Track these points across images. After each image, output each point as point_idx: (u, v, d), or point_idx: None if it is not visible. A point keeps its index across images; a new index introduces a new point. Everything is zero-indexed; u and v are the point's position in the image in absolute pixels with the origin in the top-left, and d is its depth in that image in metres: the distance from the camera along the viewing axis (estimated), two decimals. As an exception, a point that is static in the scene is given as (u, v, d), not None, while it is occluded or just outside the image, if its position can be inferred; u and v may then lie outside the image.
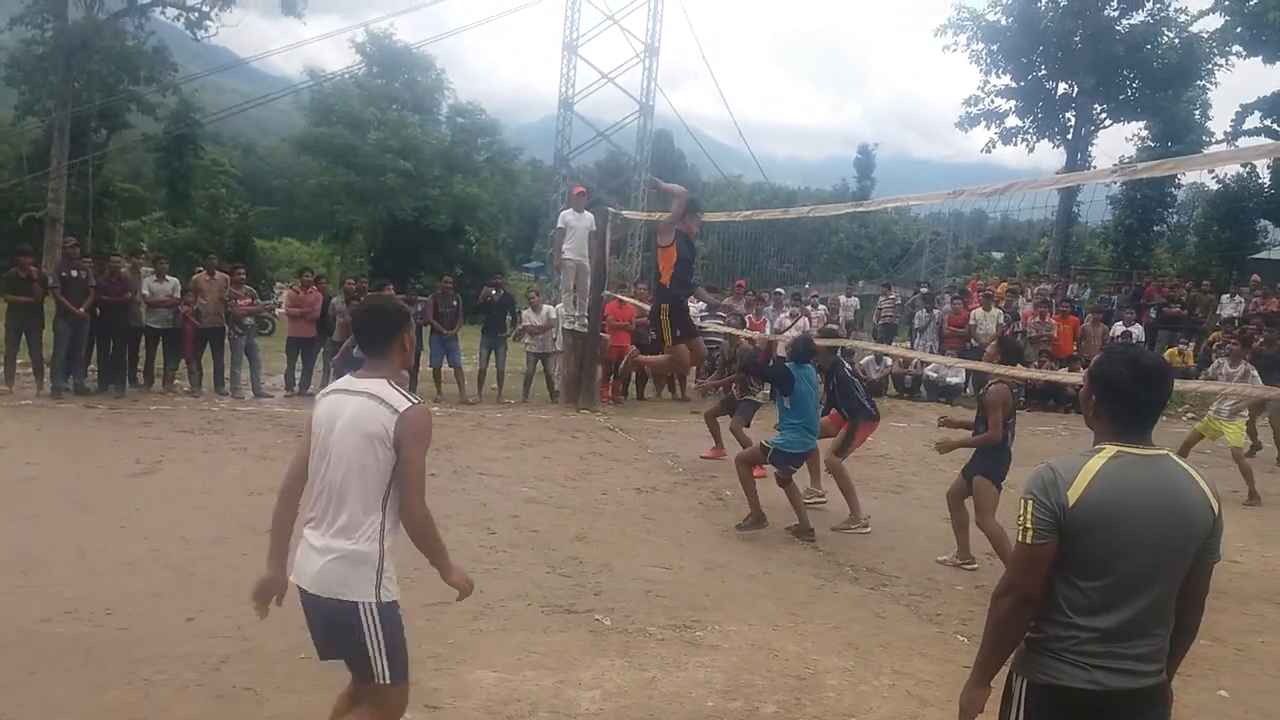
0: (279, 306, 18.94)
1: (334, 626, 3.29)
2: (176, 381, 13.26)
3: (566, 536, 7.43)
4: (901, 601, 6.51)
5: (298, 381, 13.76)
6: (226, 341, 13.36)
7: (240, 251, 32.90)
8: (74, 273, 12.28)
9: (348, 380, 3.40)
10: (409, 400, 3.26)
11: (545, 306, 14.82)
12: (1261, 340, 14.66)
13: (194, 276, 13.38)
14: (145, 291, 12.71)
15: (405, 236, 35.75)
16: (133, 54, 28.39)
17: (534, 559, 6.82)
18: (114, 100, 29.25)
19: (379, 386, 3.28)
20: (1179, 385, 10.93)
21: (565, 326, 14.15)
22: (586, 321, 13.81)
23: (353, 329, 3.56)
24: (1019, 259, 41.40)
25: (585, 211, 14.08)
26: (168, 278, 13.05)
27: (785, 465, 7.89)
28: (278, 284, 30.39)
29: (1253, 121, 27.63)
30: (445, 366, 14.21)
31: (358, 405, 3.25)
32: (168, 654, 4.80)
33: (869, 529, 8.24)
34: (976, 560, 7.30)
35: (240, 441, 10.21)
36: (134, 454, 9.25)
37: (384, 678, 3.31)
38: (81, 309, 12.04)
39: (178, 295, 12.88)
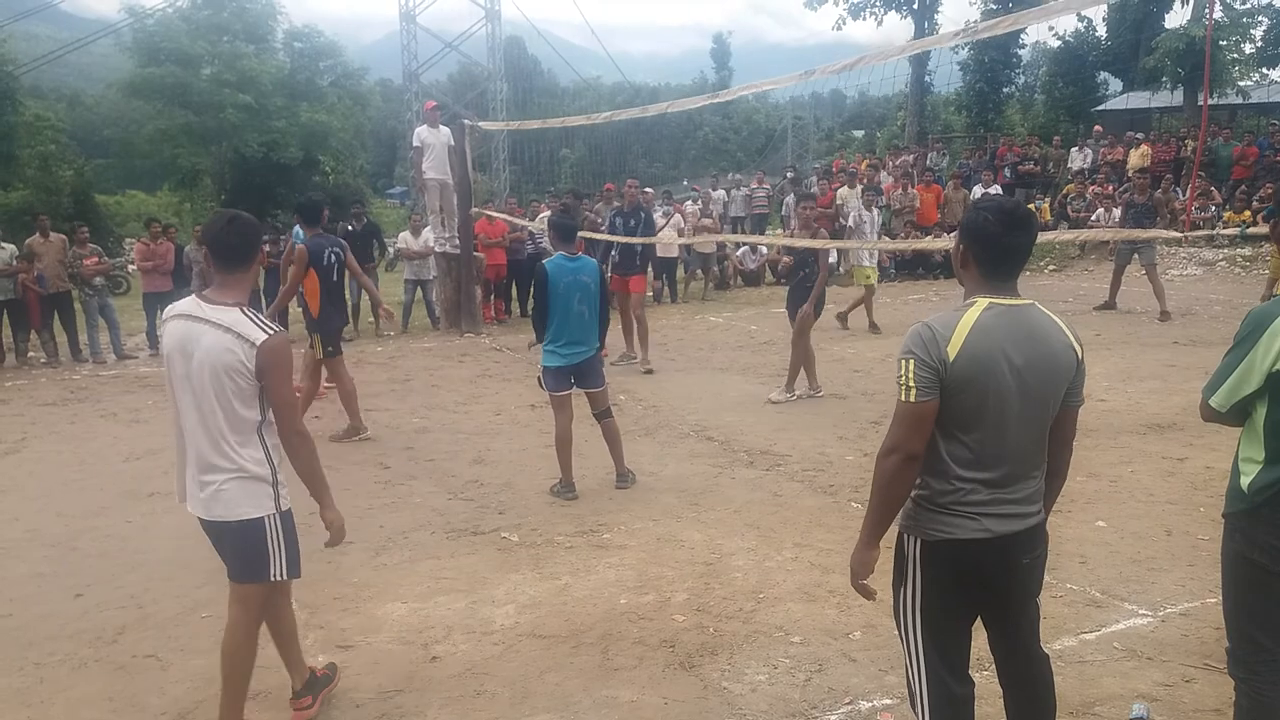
0: (131, 263, 17.94)
1: (239, 543, 3.44)
2: (31, 354, 12.53)
3: (464, 461, 7.37)
4: (796, 478, 6.69)
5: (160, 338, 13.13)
6: (78, 306, 12.64)
7: (81, 209, 30.91)
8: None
9: (194, 304, 3.32)
10: (265, 330, 3.23)
11: (425, 231, 14.35)
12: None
13: (27, 240, 12.53)
14: (-20, 261, 11.89)
15: (256, 174, 34.08)
16: (-77, 5, 25.91)
17: (433, 488, 6.75)
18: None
19: (233, 318, 3.24)
20: (1040, 237, 11.52)
21: (437, 250, 13.80)
22: (458, 242, 13.50)
23: (206, 243, 3.48)
24: (879, 134, 42.07)
25: (441, 126, 13.63)
26: (3, 244, 12.21)
27: (545, 384, 6.62)
28: (127, 240, 28.69)
29: (1087, -24, 28.37)
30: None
31: (212, 338, 3.22)
32: (59, 634, 4.60)
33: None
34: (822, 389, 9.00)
35: (108, 407, 9.75)
36: (-7, 435, 8.74)
37: (280, 575, 3.53)
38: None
39: (14, 263, 12.07)
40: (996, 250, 2.69)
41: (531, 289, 6.93)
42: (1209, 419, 2.97)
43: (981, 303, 2.67)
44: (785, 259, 9.45)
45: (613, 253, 11.13)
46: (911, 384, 2.61)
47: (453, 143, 13.38)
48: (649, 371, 10.41)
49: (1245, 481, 2.85)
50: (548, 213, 15.61)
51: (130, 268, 18.45)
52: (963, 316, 2.64)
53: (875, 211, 15.12)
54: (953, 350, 2.59)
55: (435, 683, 4.05)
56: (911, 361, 2.62)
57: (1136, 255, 13.31)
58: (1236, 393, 2.82)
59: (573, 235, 6.74)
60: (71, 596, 5.06)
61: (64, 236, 12.70)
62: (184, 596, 5.01)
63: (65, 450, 8.16)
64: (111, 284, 14.67)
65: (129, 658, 4.35)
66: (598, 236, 11.46)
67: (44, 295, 12.27)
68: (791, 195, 19.01)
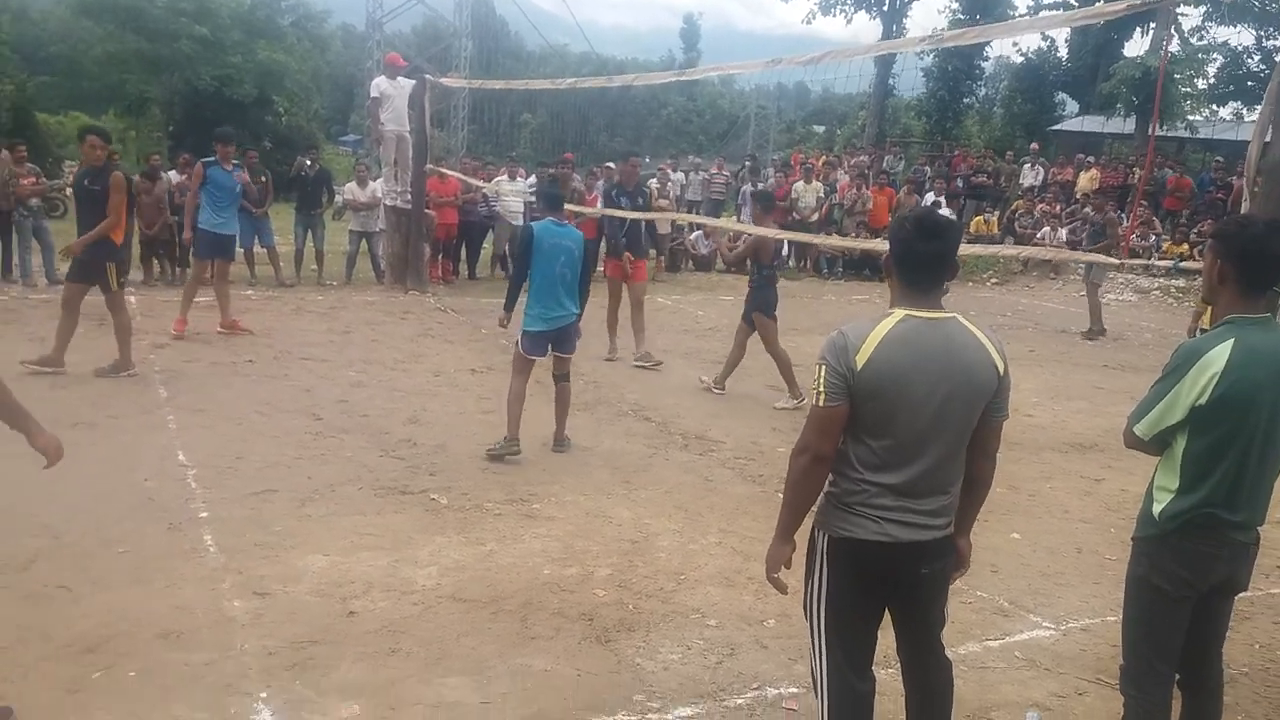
0: (69, 186, 17.39)
1: None
2: (-44, 269, 12.11)
3: (399, 420, 7.32)
4: (728, 465, 6.78)
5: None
6: (12, 226, 12.23)
7: (19, 126, 29.65)
8: None
9: None
10: None
11: (371, 182, 14.15)
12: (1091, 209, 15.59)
13: (-31, 155, 12.09)
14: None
15: (206, 108, 33.01)
16: None
17: (365, 443, 6.70)
18: None
19: None
20: (984, 250, 11.62)
21: (387, 203, 13.60)
22: (410, 197, 13.33)
23: None
24: (839, 132, 42.32)
25: (400, 79, 13.42)
26: (-65, 155, 11.77)
27: (521, 346, 6.76)
28: (67, 162, 27.72)
29: (1053, -5, 28.88)
30: (257, 247, 13.44)
31: None
32: (-34, 559, 4.51)
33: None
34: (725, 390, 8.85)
35: (36, 331, 9.46)
36: (-90, 350, 8.45)
37: None
38: None
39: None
40: (911, 257, 2.77)
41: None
42: (1131, 445, 3.07)
43: (898, 314, 2.74)
44: (726, 244, 9.33)
45: (620, 237, 9.98)
46: (822, 389, 2.71)
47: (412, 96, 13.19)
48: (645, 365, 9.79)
49: (1157, 509, 2.97)
50: (504, 177, 15.54)
51: (68, 190, 17.87)
52: (876, 326, 2.71)
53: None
54: (860, 359, 2.67)
55: (350, 637, 4.05)
56: (823, 368, 2.72)
57: (1089, 272, 13.66)
58: (1160, 423, 2.92)
59: (560, 204, 6.95)
60: (-17, 522, 4.95)
61: (9, 154, 12.28)
62: (101, 530, 4.94)
63: (-14, 372, 7.92)
64: (48, 206, 14.23)
65: (39, 586, 4.28)
66: (611, 213, 10.19)
67: (-24, 211, 11.85)
68: (749, 185, 19.10)
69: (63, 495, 5.33)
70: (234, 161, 10.16)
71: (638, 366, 9.65)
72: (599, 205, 11.16)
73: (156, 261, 13.08)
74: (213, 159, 9.83)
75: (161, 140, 31.55)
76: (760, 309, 8.56)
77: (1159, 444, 2.98)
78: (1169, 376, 2.91)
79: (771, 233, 8.74)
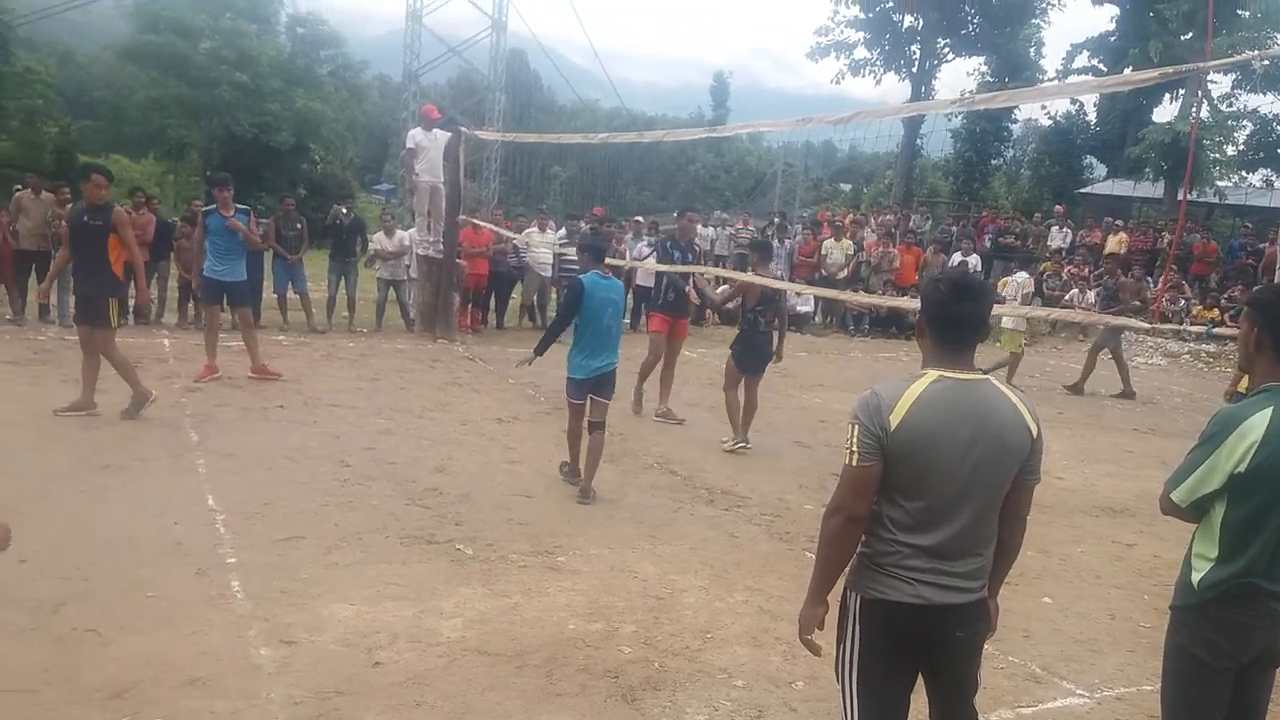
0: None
1: None
2: (-5, 307, 12.34)
3: (425, 468, 7.34)
4: (754, 522, 6.73)
5: (131, 307, 12.95)
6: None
7: (62, 169, 30.36)
8: None
9: None
10: None
11: (399, 231, 14.35)
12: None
13: (16, 194, 12.39)
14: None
15: (244, 154, 33.74)
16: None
17: (391, 491, 6.72)
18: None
19: None
20: (1013, 310, 11.57)
21: (419, 252, 13.77)
22: (442, 247, 13.49)
23: None
24: (866, 191, 42.50)
25: (435, 130, 13.66)
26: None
27: (568, 392, 7.07)
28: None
29: (1081, 60, 29.08)
30: (290, 293, 13.63)
31: None
32: (-2, 599, 4.53)
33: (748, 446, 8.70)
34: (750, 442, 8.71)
35: (71, 372, 9.55)
36: (-52, 387, 8.59)
37: None
38: None
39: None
40: (944, 319, 2.77)
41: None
42: (1167, 512, 3.03)
43: (931, 374, 2.73)
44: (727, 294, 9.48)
45: (668, 292, 9.92)
46: (855, 449, 2.70)
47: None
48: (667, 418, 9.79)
49: (1196, 578, 2.92)
50: (534, 229, 15.69)
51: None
52: (909, 387, 2.71)
53: (1025, 276, 15.16)
54: (894, 419, 2.66)
55: (375, 689, 4.03)
56: (856, 427, 2.71)
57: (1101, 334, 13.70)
58: (1198, 490, 2.89)
59: (604, 256, 7.24)
60: (15, 562, 4.96)
61: (54, 196, 12.56)
62: (129, 573, 4.96)
63: (22, 413, 8.02)
64: (86, 248, 14.48)
65: (69, 630, 4.29)
66: (658, 267, 10.10)
67: (18, 250, 12.10)
68: (775, 241, 19.17)
69: (92, 537, 5.39)
70: (239, 206, 9.98)
71: (659, 420, 9.61)
72: (654, 259, 11.11)
73: (193, 305, 13.26)
74: (212, 206, 9.81)
75: (199, 185, 32.15)
76: (734, 351, 8.74)
77: (1196, 511, 2.94)
78: (1207, 443, 2.89)
79: (764, 280, 8.77)
